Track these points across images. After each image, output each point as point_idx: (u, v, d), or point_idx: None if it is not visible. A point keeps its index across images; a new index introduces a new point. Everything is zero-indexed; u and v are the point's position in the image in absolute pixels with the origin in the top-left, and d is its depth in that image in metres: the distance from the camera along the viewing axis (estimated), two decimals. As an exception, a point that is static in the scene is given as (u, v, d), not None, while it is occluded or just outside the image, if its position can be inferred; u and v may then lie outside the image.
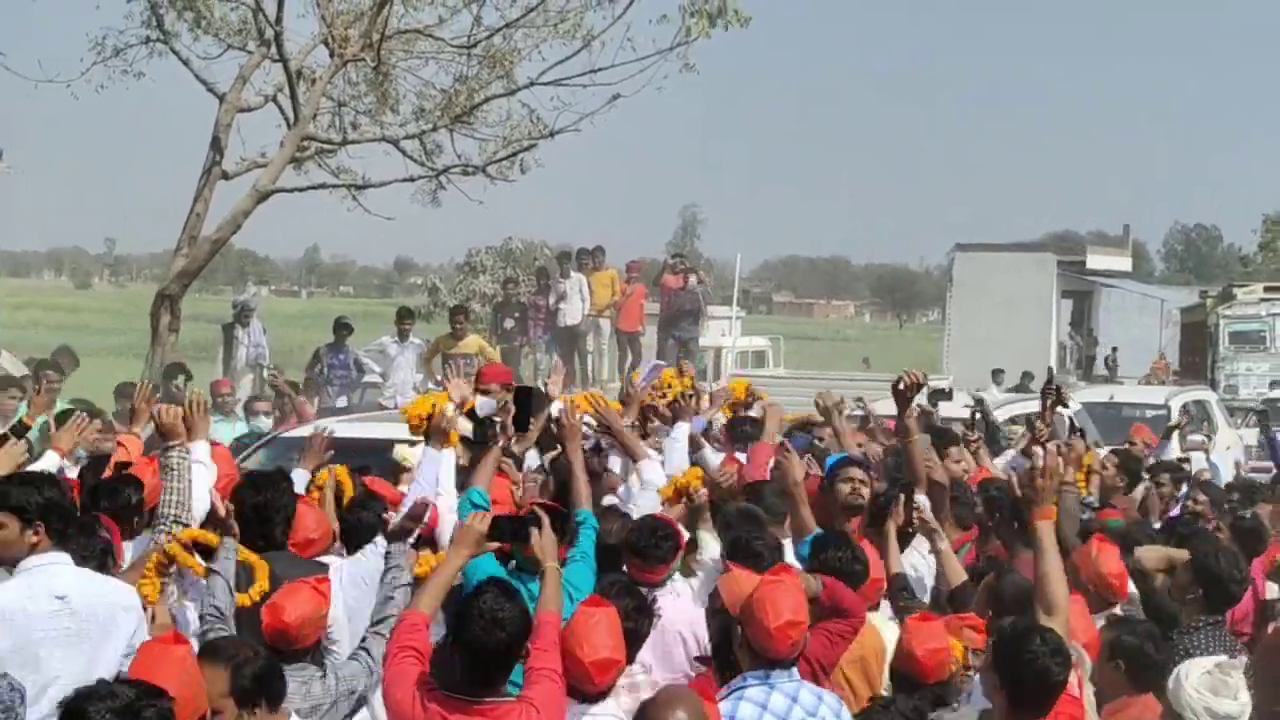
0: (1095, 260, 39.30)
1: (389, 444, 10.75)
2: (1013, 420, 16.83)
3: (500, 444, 8.37)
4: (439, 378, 17.44)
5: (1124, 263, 42.08)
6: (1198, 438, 17.75)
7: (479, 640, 5.29)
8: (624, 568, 7.10)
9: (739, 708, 5.54)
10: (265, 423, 14.69)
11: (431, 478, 7.89)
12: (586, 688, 5.64)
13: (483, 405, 9.62)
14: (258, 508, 7.11)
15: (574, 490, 7.73)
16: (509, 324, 22.32)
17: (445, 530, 7.26)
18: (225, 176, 18.95)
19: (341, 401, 17.65)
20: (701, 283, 22.80)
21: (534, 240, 40.42)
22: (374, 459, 10.21)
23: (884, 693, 6.43)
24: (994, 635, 5.74)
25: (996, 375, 27.08)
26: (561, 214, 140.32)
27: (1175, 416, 19.10)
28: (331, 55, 19.21)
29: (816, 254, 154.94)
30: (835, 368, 30.05)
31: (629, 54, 18.20)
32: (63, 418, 8.70)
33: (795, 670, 5.81)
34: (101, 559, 6.39)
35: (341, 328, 18.82)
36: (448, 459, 7.92)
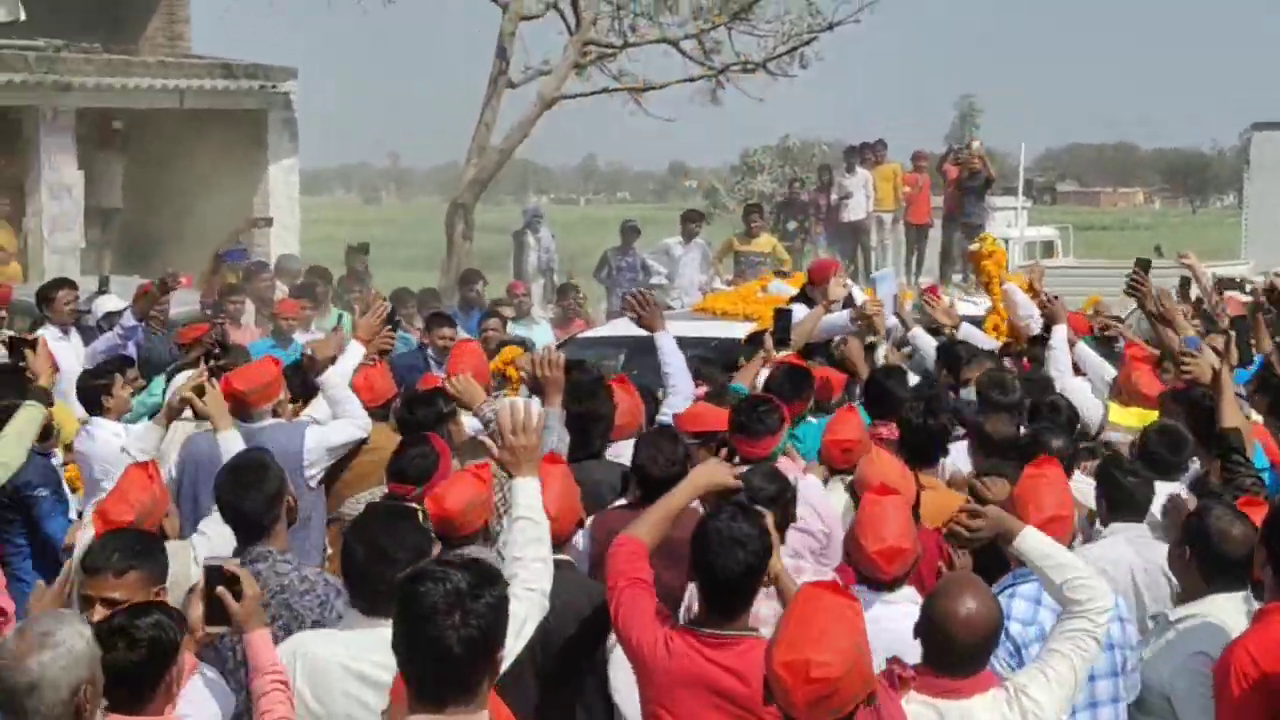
0: (1405, 139, 37.13)
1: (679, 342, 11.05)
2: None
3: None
4: (729, 277, 17.66)
5: None
6: None
7: (717, 564, 4.92)
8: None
9: (1013, 605, 5.48)
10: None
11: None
12: (877, 576, 5.51)
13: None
14: (579, 417, 7.24)
15: None
16: (791, 225, 22.27)
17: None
18: (511, 85, 19.38)
19: (626, 302, 17.94)
20: (984, 161, 22.18)
21: (811, 138, 40.15)
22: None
23: None
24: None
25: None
26: (836, 110, 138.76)
27: None
28: (609, -42, 19.42)
29: (1101, 141, 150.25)
30: (1127, 257, 29.14)
31: (909, -58, 17.98)
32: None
33: None
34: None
35: (629, 230, 19.07)
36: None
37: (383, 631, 4.47)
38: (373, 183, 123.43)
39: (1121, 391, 8.81)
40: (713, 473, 5.69)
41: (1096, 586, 4.96)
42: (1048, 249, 28.45)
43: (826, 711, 3.98)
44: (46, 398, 7.51)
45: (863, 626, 4.14)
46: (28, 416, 7.31)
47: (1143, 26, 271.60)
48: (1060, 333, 9.53)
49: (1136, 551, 6.25)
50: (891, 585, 5.52)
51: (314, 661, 4.88)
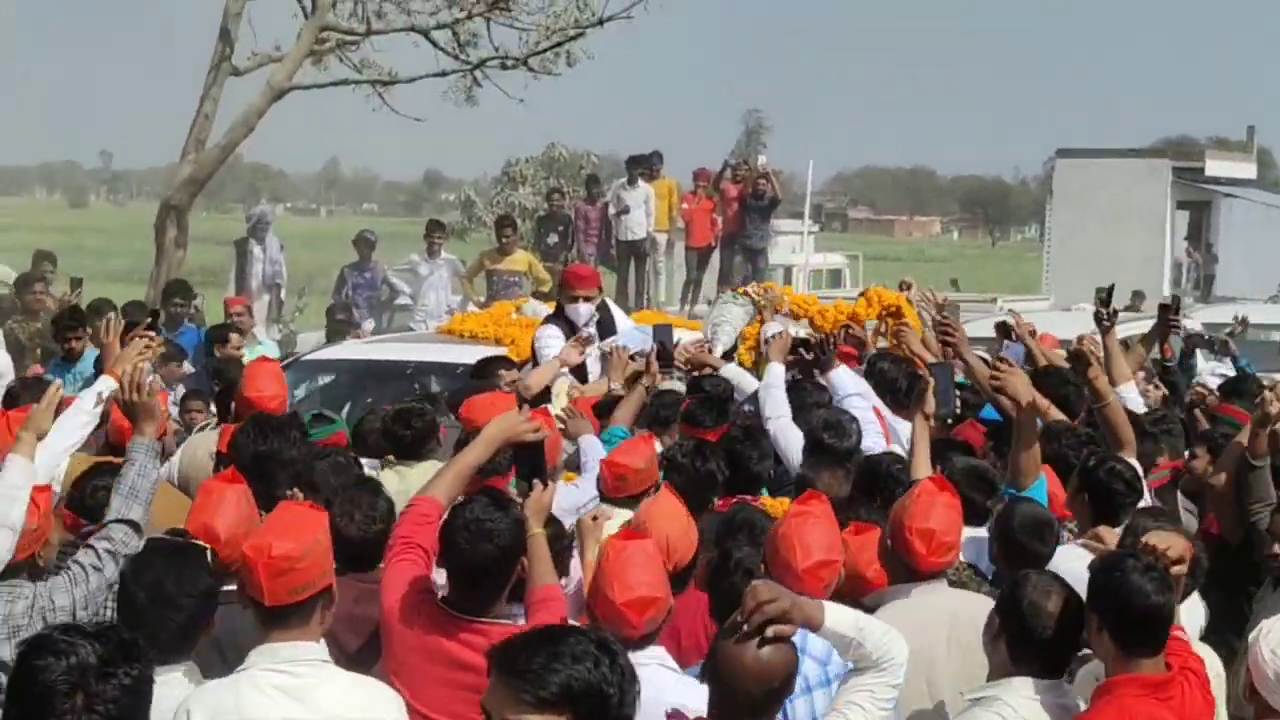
0: (1215, 167, 38.71)
1: (417, 368, 10.88)
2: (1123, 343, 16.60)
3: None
4: (480, 298, 17.48)
5: (1248, 170, 41.44)
6: None
7: (464, 553, 5.28)
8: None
9: (808, 642, 5.37)
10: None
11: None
12: (625, 632, 5.26)
13: (582, 313, 10.01)
14: (259, 458, 6.80)
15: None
16: (552, 239, 22.15)
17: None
18: (235, 73, 18.91)
19: (369, 325, 17.63)
20: (770, 179, 22.40)
21: (580, 148, 39.99)
22: (402, 384, 10.27)
23: None
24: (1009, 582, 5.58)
25: (1100, 295, 26.74)
26: (610, 117, 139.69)
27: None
28: (353, -67, 19.11)
29: (897, 165, 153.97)
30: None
31: (689, -69, 18.03)
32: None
33: None
34: None
35: (363, 243, 18.81)
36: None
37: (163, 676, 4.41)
38: (81, 184, 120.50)
39: None
40: (510, 425, 5.82)
41: (894, 643, 5.00)
42: (835, 278, 28.83)
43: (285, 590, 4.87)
44: None
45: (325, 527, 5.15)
46: None
47: (942, 47, 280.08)
48: (774, 371, 9.37)
49: None
50: (640, 643, 5.32)
51: None
